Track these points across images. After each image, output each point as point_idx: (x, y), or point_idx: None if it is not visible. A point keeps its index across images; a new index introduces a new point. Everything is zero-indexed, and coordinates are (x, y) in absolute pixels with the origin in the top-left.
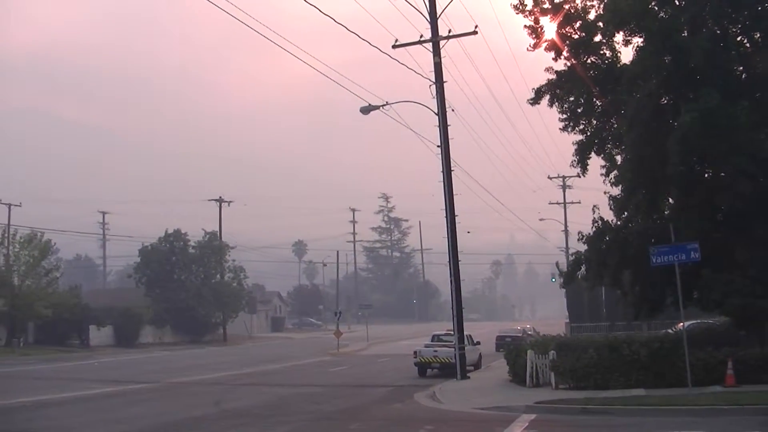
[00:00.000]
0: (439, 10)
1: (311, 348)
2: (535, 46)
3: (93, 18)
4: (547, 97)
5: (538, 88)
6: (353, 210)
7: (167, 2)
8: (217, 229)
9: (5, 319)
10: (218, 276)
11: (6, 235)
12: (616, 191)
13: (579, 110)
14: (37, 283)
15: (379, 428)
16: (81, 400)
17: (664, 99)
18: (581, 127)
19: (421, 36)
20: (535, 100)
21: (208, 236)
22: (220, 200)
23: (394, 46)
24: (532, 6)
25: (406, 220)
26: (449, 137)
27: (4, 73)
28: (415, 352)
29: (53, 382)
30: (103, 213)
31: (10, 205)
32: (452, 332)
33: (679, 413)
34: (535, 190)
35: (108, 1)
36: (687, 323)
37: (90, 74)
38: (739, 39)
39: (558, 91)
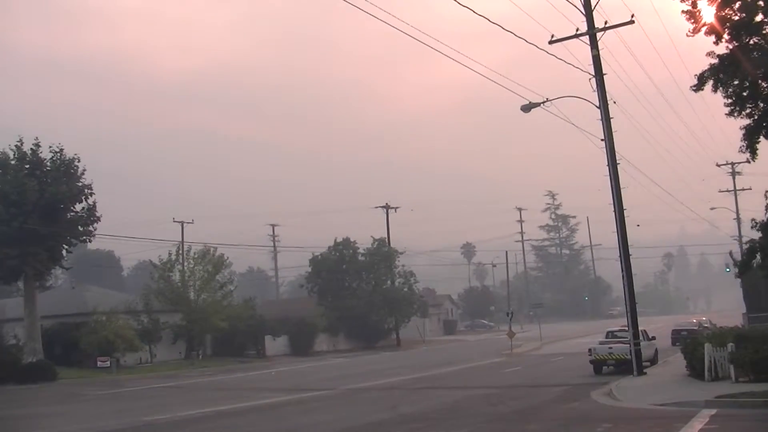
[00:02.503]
0: (593, 2)
1: (484, 349)
2: (694, 31)
3: (259, 38)
4: (711, 82)
5: (700, 74)
6: (520, 209)
7: (330, 17)
8: (386, 235)
9: (184, 332)
10: (389, 282)
11: (180, 251)
12: None
13: (744, 94)
14: (213, 296)
15: (557, 428)
16: (259, 409)
17: None
18: (748, 110)
19: (577, 29)
20: (698, 87)
21: (376, 243)
22: (386, 207)
23: (550, 42)
24: None
25: (574, 217)
26: (613, 130)
27: (174, 96)
28: (589, 350)
29: (232, 392)
30: (273, 225)
31: (183, 222)
32: (626, 328)
33: None
34: (704, 179)
35: (271, 22)
36: None
37: (257, 92)
38: None
39: (721, 75)
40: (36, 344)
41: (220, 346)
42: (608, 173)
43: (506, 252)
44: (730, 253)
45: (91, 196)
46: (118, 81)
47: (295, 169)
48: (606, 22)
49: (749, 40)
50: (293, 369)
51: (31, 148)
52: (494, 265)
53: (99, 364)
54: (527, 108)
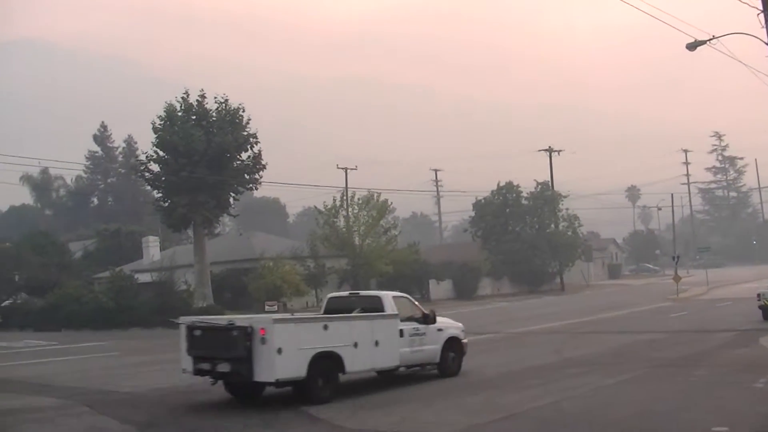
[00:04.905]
0: None
1: (649, 294)
2: None
3: None
4: None
5: None
6: (685, 151)
7: None
8: (549, 178)
9: (349, 277)
10: (552, 226)
11: (345, 197)
12: None
13: None
14: (377, 241)
15: (725, 374)
16: None
17: None
18: None
19: None
20: None
21: (540, 186)
22: (549, 150)
23: None
24: None
25: (741, 158)
26: None
27: (338, 44)
28: (758, 295)
29: None
30: (436, 170)
31: (346, 169)
32: None
33: None
34: None
35: None
36: None
37: (420, 39)
38: None
39: None
40: (206, 289)
41: (385, 290)
42: None
43: (672, 195)
44: None
45: (256, 144)
46: (285, 30)
47: (458, 114)
48: None
49: None
50: (457, 313)
51: (197, 100)
52: (659, 209)
53: (266, 308)
54: (693, 46)
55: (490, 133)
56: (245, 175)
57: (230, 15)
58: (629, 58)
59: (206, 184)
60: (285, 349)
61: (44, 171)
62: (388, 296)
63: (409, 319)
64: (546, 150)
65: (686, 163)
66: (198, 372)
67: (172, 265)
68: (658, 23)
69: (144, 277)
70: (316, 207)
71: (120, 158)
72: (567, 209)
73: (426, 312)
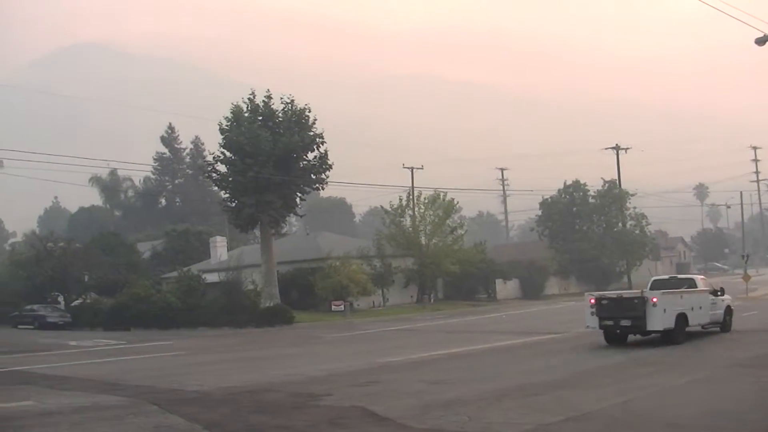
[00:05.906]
0: None
1: None
2: None
3: None
4: None
5: None
6: (755, 148)
7: None
8: (616, 176)
9: (415, 276)
10: (620, 224)
11: (411, 196)
12: None
13: None
14: (443, 240)
15: None
16: (492, 351)
17: None
18: None
19: None
20: None
21: (607, 185)
22: (617, 148)
23: None
24: None
25: None
26: None
27: (403, 44)
28: None
29: (464, 335)
30: (502, 169)
31: (412, 168)
32: None
33: None
34: None
35: None
36: None
37: (486, 37)
38: None
39: None
40: (273, 289)
41: (451, 290)
42: None
43: (741, 192)
44: None
45: (322, 144)
46: (343, 31)
47: (524, 113)
48: None
49: None
50: (524, 312)
51: (263, 100)
52: (728, 207)
53: (333, 307)
54: (762, 41)
55: (557, 131)
56: (312, 175)
57: (297, 15)
58: (697, 54)
59: (273, 184)
60: (666, 310)
61: (113, 172)
62: (698, 278)
63: (709, 293)
64: (613, 148)
65: (755, 161)
66: (603, 327)
67: (239, 264)
68: (726, 18)
69: (212, 277)
70: (382, 207)
71: (187, 159)
72: (634, 207)
73: (716, 288)
